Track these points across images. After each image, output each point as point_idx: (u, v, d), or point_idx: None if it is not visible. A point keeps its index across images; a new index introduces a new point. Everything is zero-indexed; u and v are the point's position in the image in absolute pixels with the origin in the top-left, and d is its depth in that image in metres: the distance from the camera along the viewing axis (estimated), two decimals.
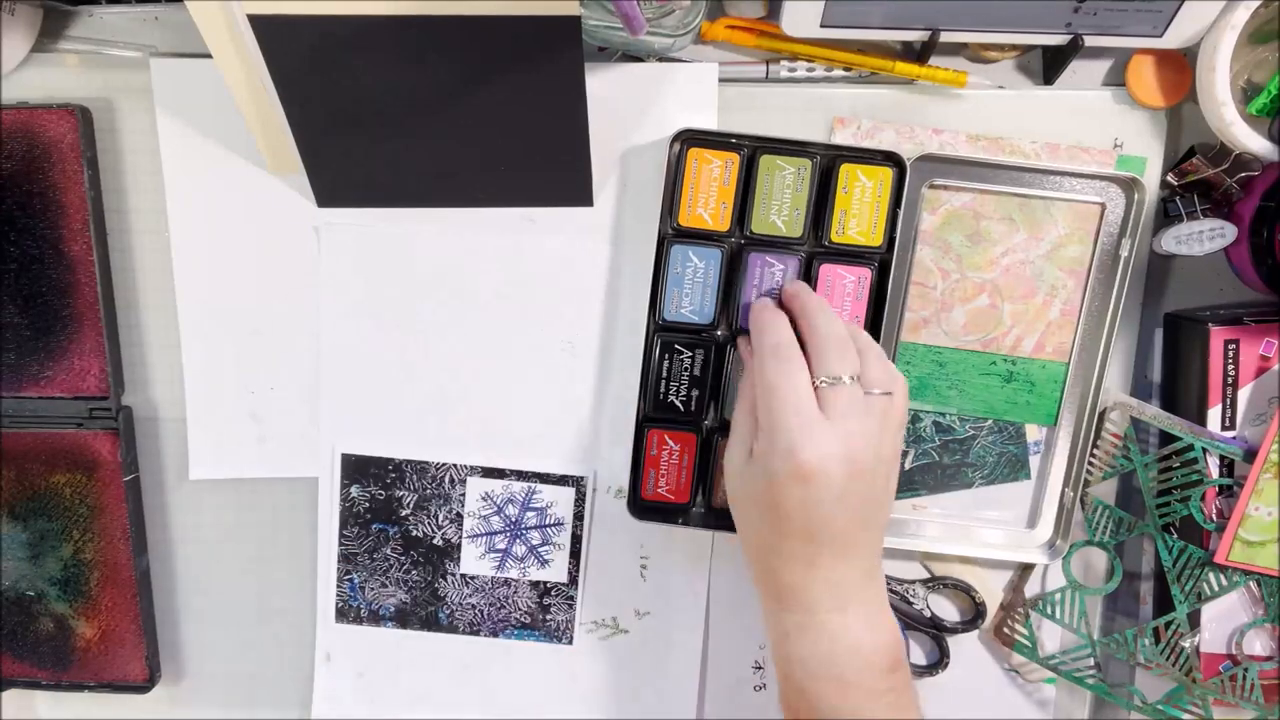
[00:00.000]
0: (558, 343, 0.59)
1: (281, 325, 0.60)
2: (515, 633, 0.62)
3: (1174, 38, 0.53)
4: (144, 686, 0.62)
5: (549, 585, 0.62)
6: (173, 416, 0.61)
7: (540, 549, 0.61)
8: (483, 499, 0.60)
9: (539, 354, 0.59)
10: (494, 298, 0.59)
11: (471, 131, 0.53)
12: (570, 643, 0.62)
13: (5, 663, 0.62)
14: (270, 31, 0.47)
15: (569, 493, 0.60)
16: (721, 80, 0.56)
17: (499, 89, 0.51)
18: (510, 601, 0.62)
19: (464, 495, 0.61)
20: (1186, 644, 0.58)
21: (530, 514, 0.61)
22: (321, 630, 0.62)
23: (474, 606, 0.62)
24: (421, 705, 0.63)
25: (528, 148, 0.54)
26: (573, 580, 0.61)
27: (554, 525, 0.61)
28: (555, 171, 0.55)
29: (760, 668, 0.63)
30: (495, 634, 0.62)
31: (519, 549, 0.61)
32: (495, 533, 0.61)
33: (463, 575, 0.61)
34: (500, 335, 0.59)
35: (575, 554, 0.61)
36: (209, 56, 0.50)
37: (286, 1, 0.46)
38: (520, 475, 0.60)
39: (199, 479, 0.61)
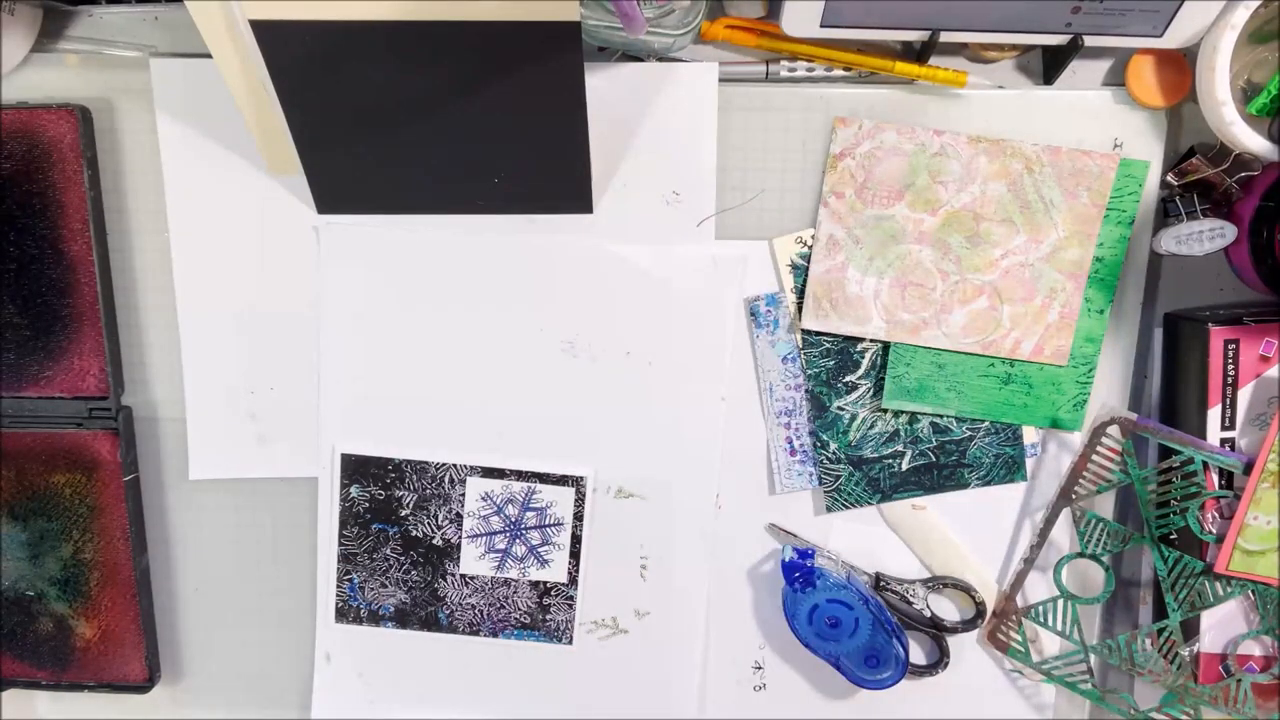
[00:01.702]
0: (557, 343, 0.59)
1: (281, 325, 0.60)
2: (515, 633, 0.62)
3: (1174, 38, 0.53)
4: (144, 686, 0.62)
5: (549, 585, 0.62)
6: (173, 416, 0.61)
7: (540, 549, 0.61)
8: (482, 499, 0.60)
9: (539, 354, 0.59)
10: (493, 297, 0.59)
11: (471, 140, 0.53)
12: (570, 643, 0.62)
13: (5, 663, 0.62)
14: (272, 37, 0.47)
15: (569, 493, 0.60)
16: (721, 80, 0.56)
17: (498, 96, 0.51)
18: (510, 601, 0.62)
19: (463, 495, 0.61)
20: (1184, 651, 0.58)
21: (530, 514, 0.61)
22: (321, 630, 0.62)
23: (474, 607, 0.62)
24: (421, 705, 0.63)
25: (527, 155, 0.54)
26: (572, 580, 0.61)
27: (554, 525, 0.61)
28: (555, 179, 0.55)
29: (760, 668, 0.63)
30: (495, 634, 0.62)
31: (519, 549, 0.61)
32: (495, 533, 0.61)
33: (462, 575, 0.61)
34: (500, 335, 0.59)
35: (575, 554, 0.61)
36: (209, 56, 0.50)
37: (288, 3, 0.46)
38: (520, 475, 0.60)
39: (199, 479, 0.61)
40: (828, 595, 0.59)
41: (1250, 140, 0.52)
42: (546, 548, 0.61)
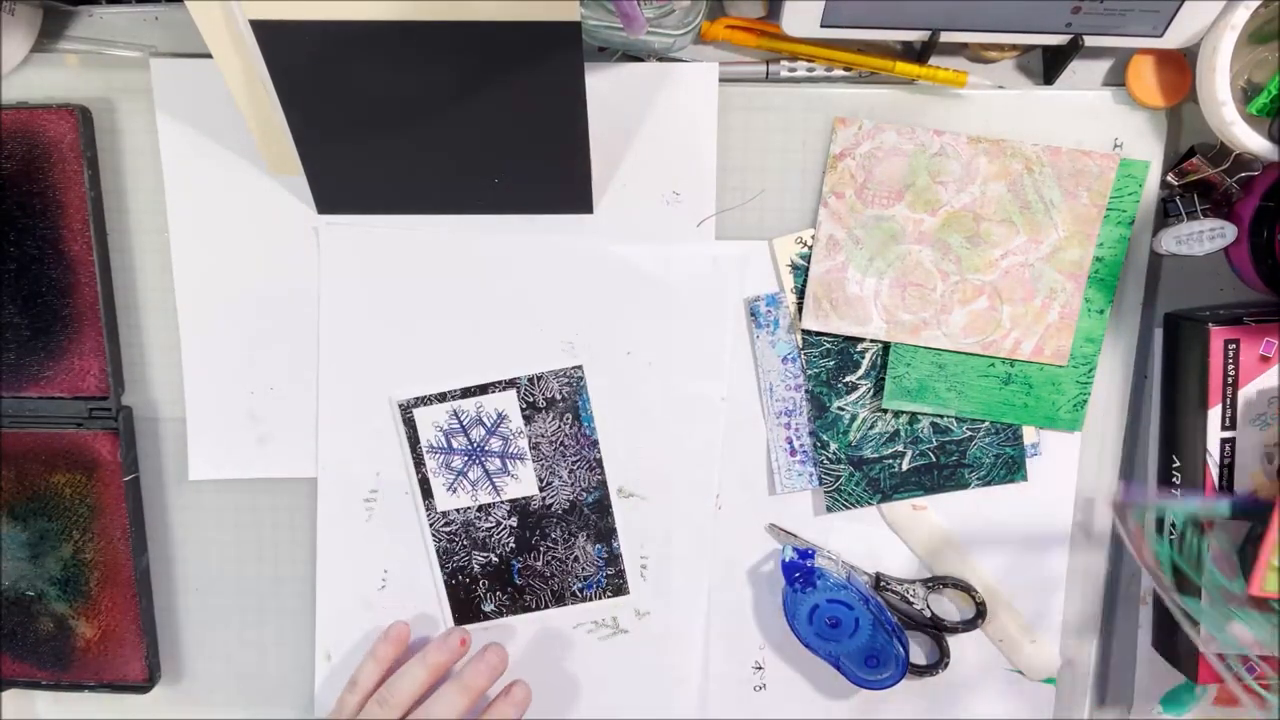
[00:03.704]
0: (558, 343, 0.59)
1: (281, 325, 0.60)
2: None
3: (1174, 38, 0.53)
4: (144, 686, 0.62)
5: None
6: (173, 416, 0.61)
7: (506, 462, 0.60)
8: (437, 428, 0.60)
9: (539, 354, 0.59)
10: (493, 297, 0.59)
11: (471, 139, 0.53)
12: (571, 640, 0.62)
13: (5, 663, 0.62)
14: (272, 37, 0.47)
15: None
16: (721, 80, 0.56)
17: (499, 96, 0.51)
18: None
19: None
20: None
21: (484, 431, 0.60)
22: (321, 630, 0.62)
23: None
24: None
25: (527, 155, 0.54)
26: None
27: (509, 429, 0.60)
28: (555, 179, 0.55)
29: (761, 668, 0.63)
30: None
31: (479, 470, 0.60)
32: (456, 452, 0.60)
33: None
34: (500, 335, 0.59)
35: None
36: (209, 56, 0.50)
37: (288, 3, 0.46)
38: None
39: (199, 479, 0.61)
40: (828, 595, 0.59)
41: (1250, 140, 0.52)
42: (510, 461, 0.60)
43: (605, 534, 0.61)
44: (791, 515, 0.61)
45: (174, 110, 0.57)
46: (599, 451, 0.60)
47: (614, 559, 0.61)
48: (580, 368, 0.58)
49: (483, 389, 0.59)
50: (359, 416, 0.60)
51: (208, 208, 0.58)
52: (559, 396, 0.59)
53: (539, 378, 0.58)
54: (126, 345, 0.60)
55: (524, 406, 0.59)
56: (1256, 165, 0.54)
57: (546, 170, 0.55)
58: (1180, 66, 0.55)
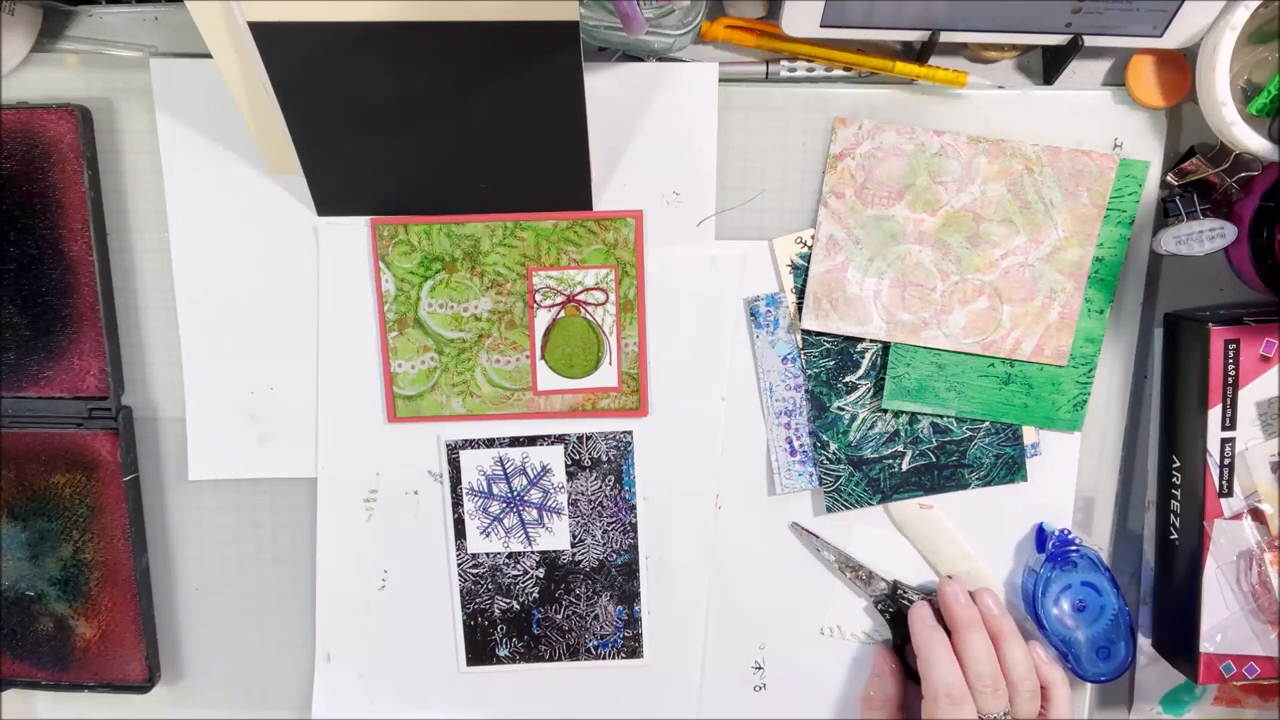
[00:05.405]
0: None
1: (281, 325, 0.60)
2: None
3: (1174, 38, 0.53)
4: (144, 686, 0.62)
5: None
6: (173, 416, 0.61)
7: (542, 513, 0.61)
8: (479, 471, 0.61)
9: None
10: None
11: (471, 139, 0.53)
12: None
13: (5, 663, 0.62)
14: (271, 39, 0.47)
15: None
16: (721, 80, 0.56)
17: (498, 95, 0.51)
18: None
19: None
20: None
21: (525, 479, 0.61)
22: (321, 630, 0.62)
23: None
24: (422, 705, 0.63)
25: (527, 154, 0.54)
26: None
27: (550, 482, 0.60)
28: (555, 177, 0.55)
29: (760, 668, 0.63)
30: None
31: (516, 518, 0.61)
32: (495, 498, 0.61)
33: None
34: None
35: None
36: (209, 56, 0.50)
37: (287, 4, 0.46)
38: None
39: (199, 479, 0.61)
40: (1083, 577, 0.58)
41: (1250, 140, 0.52)
42: (547, 514, 0.61)
43: (629, 597, 0.61)
44: (791, 515, 0.61)
45: (174, 110, 0.57)
46: (635, 516, 0.60)
47: (634, 622, 0.62)
48: (630, 432, 0.59)
49: (531, 440, 0.60)
50: (359, 417, 0.60)
51: (208, 208, 0.58)
52: (605, 458, 0.60)
53: (588, 437, 0.59)
54: (126, 345, 0.60)
55: (569, 463, 0.60)
56: (1256, 165, 0.54)
57: (546, 170, 0.55)
58: (1180, 66, 0.55)
